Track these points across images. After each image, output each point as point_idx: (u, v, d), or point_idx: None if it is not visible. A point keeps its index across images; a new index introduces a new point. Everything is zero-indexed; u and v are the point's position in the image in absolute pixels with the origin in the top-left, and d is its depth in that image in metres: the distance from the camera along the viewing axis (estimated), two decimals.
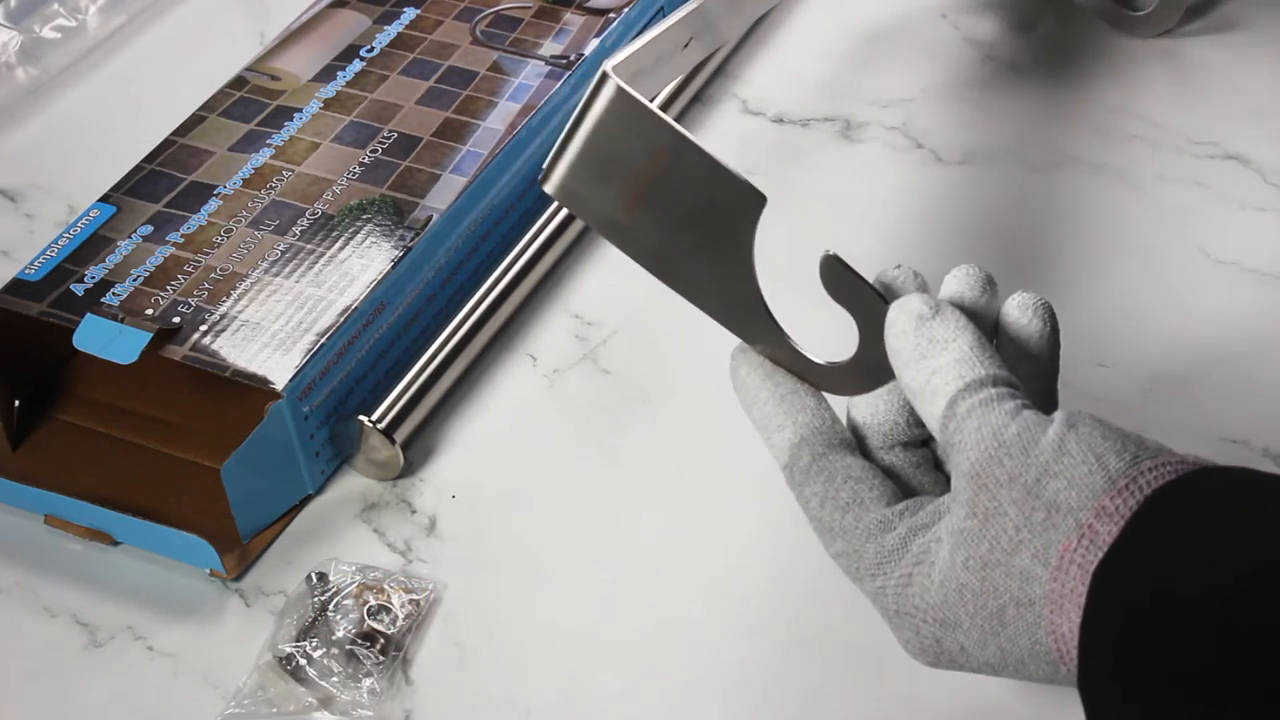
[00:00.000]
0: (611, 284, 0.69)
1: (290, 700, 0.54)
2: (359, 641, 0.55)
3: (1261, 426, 0.60)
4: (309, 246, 0.63)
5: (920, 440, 0.50)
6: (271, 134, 0.69)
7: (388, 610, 0.56)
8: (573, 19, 0.75)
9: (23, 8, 0.82)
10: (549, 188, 0.49)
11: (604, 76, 0.47)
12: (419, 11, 0.76)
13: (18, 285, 0.63)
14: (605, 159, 0.48)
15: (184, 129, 0.70)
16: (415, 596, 0.57)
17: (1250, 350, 0.63)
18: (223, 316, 0.61)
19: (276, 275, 0.62)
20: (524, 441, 0.63)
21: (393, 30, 0.75)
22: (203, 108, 0.71)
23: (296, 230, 0.64)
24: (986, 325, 0.48)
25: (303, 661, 0.55)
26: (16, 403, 0.63)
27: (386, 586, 0.57)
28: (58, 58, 0.82)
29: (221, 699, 0.54)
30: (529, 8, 0.76)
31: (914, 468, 0.49)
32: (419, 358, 0.63)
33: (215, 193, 0.66)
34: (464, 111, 0.70)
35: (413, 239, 0.64)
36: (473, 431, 0.63)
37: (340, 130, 0.69)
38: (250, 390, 0.58)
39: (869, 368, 0.49)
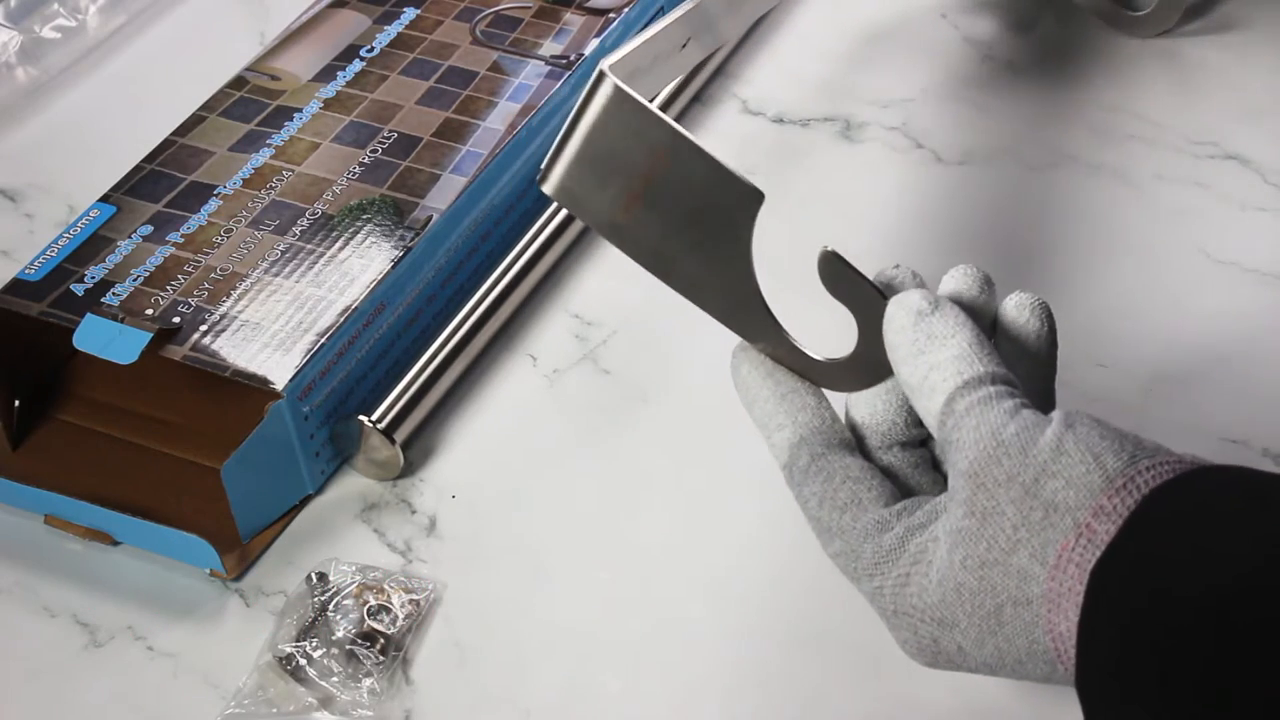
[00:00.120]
0: (611, 284, 0.69)
1: (290, 700, 0.54)
2: (359, 641, 0.55)
3: (1261, 426, 0.60)
4: (309, 246, 0.64)
5: (918, 440, 0.50)
6: (271, 134, 0.69)
7: (388, 610, 0.56)
8: (573, 19, 0.75)
9: (23, 8, 0.82)
10: (547, 188, 0.49)
11: (600, 76, 0.47)
12: (419, 11, 0.76)
13: (18, 285, 0.63)
14: (603, 158, 0.48)
15: (184, 129, 0.70)
16: (415, 596, 0.57)
17: (1250, 350, 0.63)
18: (223, 316, 0.61)
19: (276, 275, 0.62)
20: (524, 441, 0.63)
21: (393, 30, 0.75)
22: (203, 108, 0.71)
23: (296, 230, 0.64)
24: (984, 324, 0.48)
25: (303, 661, 0.55)
26: (16, 403, 0.63)
27: (386, 586, 0.57)
28: (58, 58, 0.82)
29: (221, 699, 0.54)
30: (529, 8, 0.76)
31: (912, 468, 0.49)
32: (419, 358, 0.63)
33: (215, 193, 0.66)
34: (464, 111, 0.70)
35: (413, 239, 0.64)
36: (473, 431, 0.63)
37: (340, 130, 0.69)
38: (250, 390, 0.58)
39: (868, 364, 0.49)
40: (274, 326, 0.60)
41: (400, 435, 0.61)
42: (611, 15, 0.75)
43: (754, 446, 0.52)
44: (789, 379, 0.50)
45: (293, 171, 0.67)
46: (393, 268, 0.62)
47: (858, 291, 0.48)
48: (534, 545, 0.59)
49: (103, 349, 0.59)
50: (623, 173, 0.48)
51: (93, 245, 0.64)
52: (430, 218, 0.64)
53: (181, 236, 0.64)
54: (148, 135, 0.70)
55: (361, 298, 0.61)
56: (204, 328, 0.60)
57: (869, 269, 0.49)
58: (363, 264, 0.63)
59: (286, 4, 0.80)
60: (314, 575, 0.57)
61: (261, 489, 0.59)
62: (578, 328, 0.67)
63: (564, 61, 0.72)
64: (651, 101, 0.47)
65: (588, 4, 0.76)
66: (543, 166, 0.49)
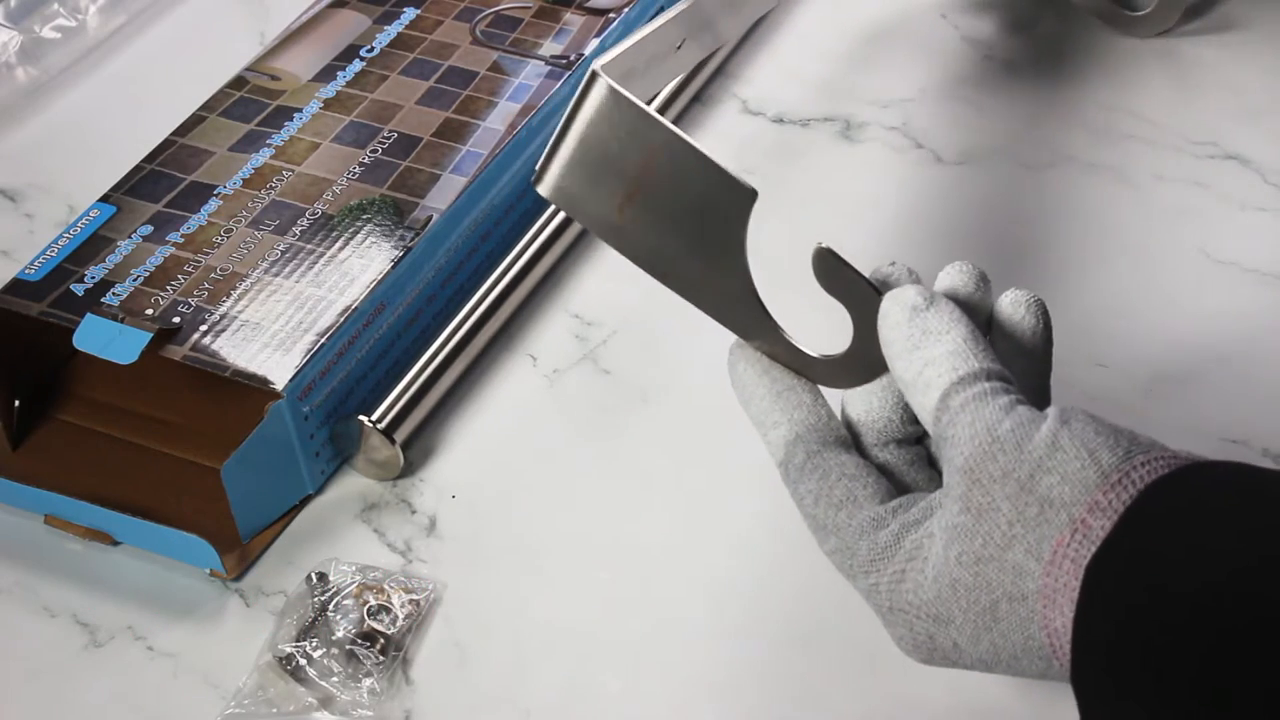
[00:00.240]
0: (611, 284, 0.69)
1: (290, 700, 0.54)
2: (359, 641, 0.55)
3: (1261, 426, 0.60)
4: (309, 246, 0.64)
5: (914, 437, 0.50)
6: (271, 134, 0.69)
7: (388, 610, 0.56)
8: (573, 19, 0.75)
9: (23, 8, 0.82)
10: (542, 189, 0.49)
11: (593, 76, 0.47)
12: (419, 11, 0.76)
13: (18, 285, 0.63)
14: (596, 158, 0.48)
15: (184, 129, 0.70)
16: (415, 596, 0.57)
17: (1250, 350, 0.63)
18: (223, 316, 0.61)
19: (276, 275, 0.62)
20: (524, 441, 0.63)
21: (393, 30, 0.75)
22: (203, 108, 0.71)
23: (296, 230, 0.64)
24: (979, 321, 0.48)
25: (303, 661, 0.55)
26: (16, 403, 0.63)
27: (386, 586, 0.57)
28: (58, 58, 0.82)
29: (221, 699, 0.55)
30: (529, 8, 0.76)
31: (908, 465, 0.49)
32: (419, 358, 0.63)
33: (215, 193, 0.66)
34: (464, 111, 0.70)
35: (413, 239, 0.64)
36: (473, 431, 0.63)
37: (340, 130, 0.69)
38: (250, 390, 0.58)
39: (863, 360, 0.49)
40: (274, 326, 0.60)
41: (400, 435, 0.61)
42: (611, 15, 0.75)
43: (753, 446, 0.52)
44: (785, 376, 0.50)
45: (293, 171, 0.67)
46: (393, 268, 0.62)
47: (853, 288, 0.48)
48: (534, 545, 0.59)
49: (103, 349, 0.59)
50: (616, 173, 0.48)
51: (93, 245, 0.64)
52: (430, 218, 0.65)
53: (181, 236, 0.64)
54: (148, 135, 0.70)
55: (361, 298, 0.61)
56: (204, 328, 0.60)
57: (868, 268, 0.49)
58: (363, 264, 0.63)
59: (286, 4, 0.80)
60: (314, 575, 0.57)
61: (261, 489, 0.59)
62: (578, 328, 0.67)
63: (564, 61, 0.72)
64: (649, 102, 0.47)
65: (588, 4, 0.76)
66: (537, 167, 0.49)
